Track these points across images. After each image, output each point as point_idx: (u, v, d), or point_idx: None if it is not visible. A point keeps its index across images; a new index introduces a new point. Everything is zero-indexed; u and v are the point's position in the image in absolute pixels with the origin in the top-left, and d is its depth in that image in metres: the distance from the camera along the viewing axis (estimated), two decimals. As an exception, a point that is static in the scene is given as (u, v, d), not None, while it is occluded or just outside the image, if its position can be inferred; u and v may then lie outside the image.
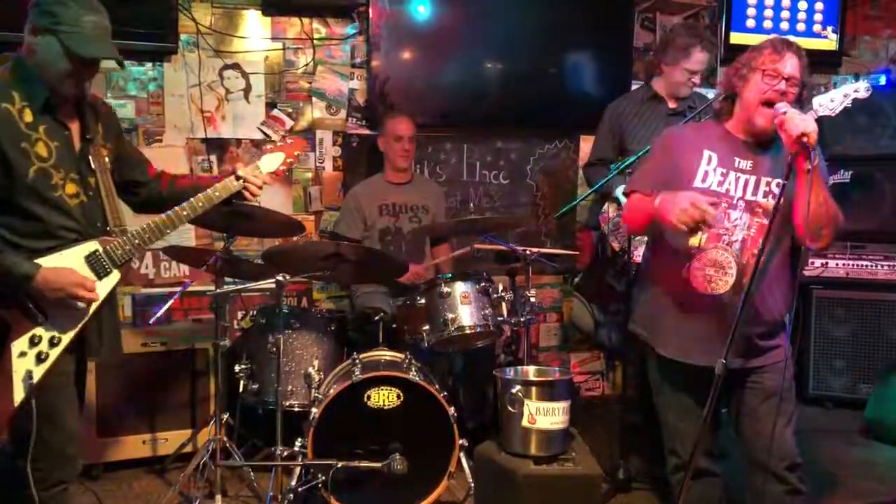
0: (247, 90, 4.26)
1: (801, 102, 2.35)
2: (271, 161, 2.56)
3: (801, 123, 2.20)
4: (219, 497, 3.15)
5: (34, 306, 2.16)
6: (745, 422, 2.49)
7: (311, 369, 3.35)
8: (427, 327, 3.39)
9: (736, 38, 4.80)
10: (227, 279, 3.46)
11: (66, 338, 2.21)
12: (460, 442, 3.11)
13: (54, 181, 2.18)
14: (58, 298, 2.15)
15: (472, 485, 3.15)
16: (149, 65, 4.07)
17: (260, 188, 2.49)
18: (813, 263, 4.35)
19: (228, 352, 3.45)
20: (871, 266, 4.37)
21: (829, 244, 2.45)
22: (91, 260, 2.24)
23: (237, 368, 3.42)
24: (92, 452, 3.42)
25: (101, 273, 2.25)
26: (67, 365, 2.27)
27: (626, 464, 3.41)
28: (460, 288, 3.43)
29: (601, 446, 3.46)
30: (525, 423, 2.99)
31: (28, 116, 2.15)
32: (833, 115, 3.33)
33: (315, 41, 4.34)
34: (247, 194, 2.48)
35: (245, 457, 3.46)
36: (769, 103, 2.33)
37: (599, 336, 4.86)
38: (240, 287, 3.38)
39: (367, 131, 4.42)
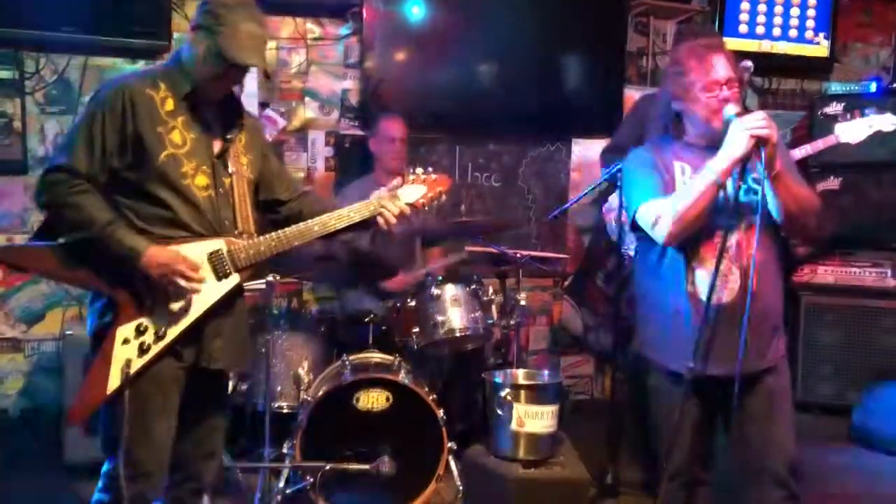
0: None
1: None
2: (412, 192, 2.40)
3: (753, 131, 2.11)
4: (206, 498, 3.13)
5: (143, 288, 2.08)
6: (750, 426, 2.35)
7: (300, 371, 3.35)
8: (417, 329, 3.39)
9: (729, 43, 4.80)
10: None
11: (172, 333, 2.11)
12: (449, 445, 3.11)
13: (184, 169, 2.12)
14: (161, 276, 2.05)
15: (461, 488, 3.15)
16: (141, 62, 4.02)
17: (397, 218, 2.32)
18: (802, 270, 4.38)
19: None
20: (860, 273, 4.39)
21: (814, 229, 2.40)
22: (213, 258, 2.16)
23: (226, 369, 3.40)
24: (80, 451, 3.41)
25: (220, 273, 2.17)
26: (171, 371, 2.15)
27: (615, 468, 3.41)
28: (450, 290, 3.43)
29: (589, 450, 3.45)
30: (514, 426, 3.00)
31: (169, 105, 2.13)
32: (854, 143, 3.31)
33: (309, 41, 4.33)
34: (380, 221, 2.32)
35: (233, 458, 3.44)
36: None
37: (589, 339, 4.88)
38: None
39: (359, 132, 4.41)
